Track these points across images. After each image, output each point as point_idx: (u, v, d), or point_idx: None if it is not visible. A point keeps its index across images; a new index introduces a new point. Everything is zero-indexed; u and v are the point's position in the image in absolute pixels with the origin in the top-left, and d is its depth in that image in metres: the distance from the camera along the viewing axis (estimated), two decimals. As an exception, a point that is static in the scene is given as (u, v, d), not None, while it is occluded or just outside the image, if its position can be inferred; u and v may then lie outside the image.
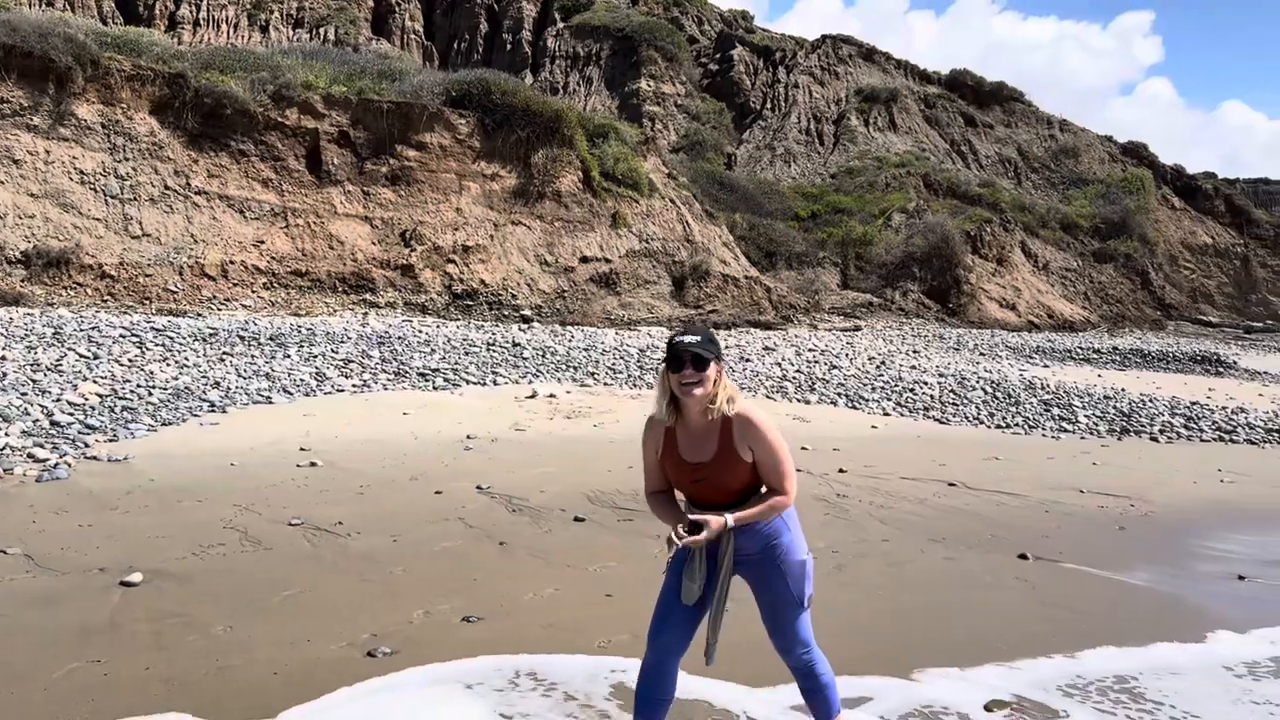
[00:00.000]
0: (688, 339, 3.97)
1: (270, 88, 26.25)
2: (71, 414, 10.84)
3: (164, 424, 11.10)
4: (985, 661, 5.75)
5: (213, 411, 11.98)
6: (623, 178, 31.52)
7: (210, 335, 17.95)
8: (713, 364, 3.97)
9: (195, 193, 24.41)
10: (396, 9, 62.69)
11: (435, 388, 15.26)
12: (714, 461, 4.00)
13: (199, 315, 21.44)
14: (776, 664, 4.34)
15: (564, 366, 18.34)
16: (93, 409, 11.24)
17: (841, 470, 11.09)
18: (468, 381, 15.94)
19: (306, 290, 24.70)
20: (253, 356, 16.13)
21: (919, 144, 62.16)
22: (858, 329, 34.57)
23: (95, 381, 12.69)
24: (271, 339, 18.28)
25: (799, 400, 16.67)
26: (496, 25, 64.65)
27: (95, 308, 20.94)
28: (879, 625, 6.32)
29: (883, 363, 23.30)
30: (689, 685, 5.07)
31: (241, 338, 18.07)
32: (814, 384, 18.48)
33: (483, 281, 27.31)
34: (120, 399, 11.89)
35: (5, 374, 12.52)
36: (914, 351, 27.71)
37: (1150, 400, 19.44)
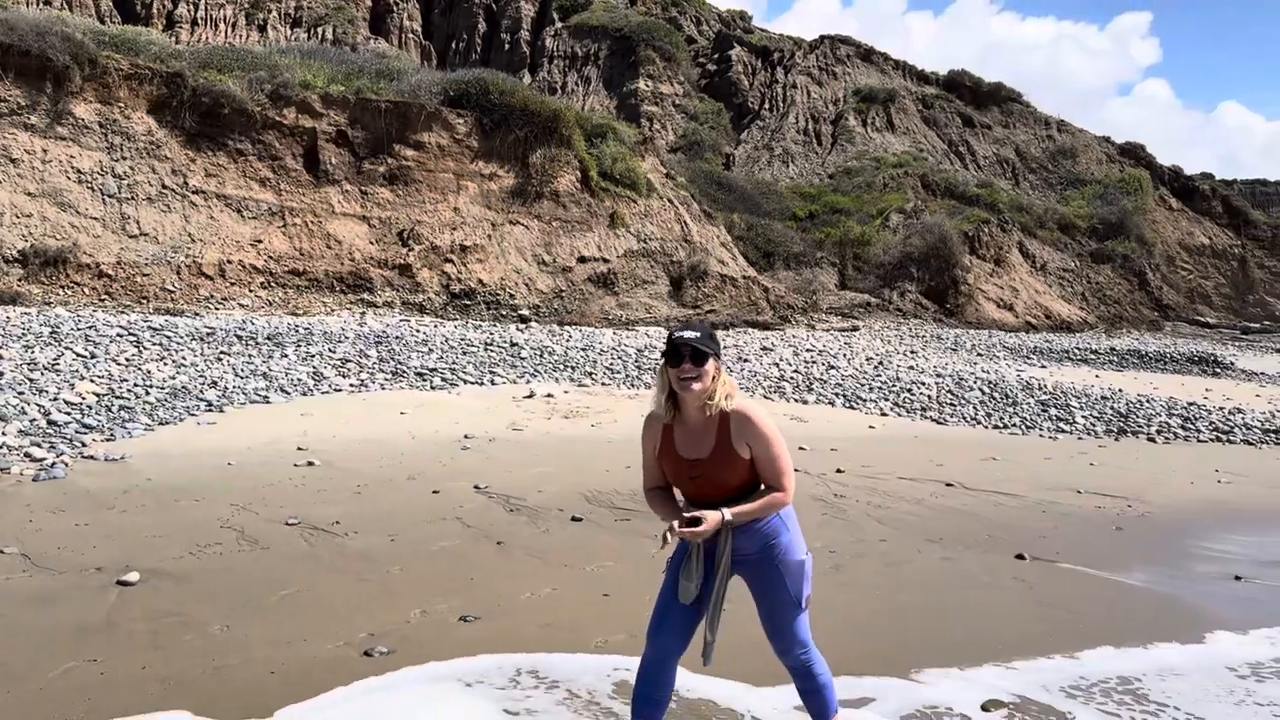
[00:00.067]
0: (687, 334, 3.98)
1: (268, 87, 26.22)
2: (68, 413, 10.83)
3: (161, 423, 11.09)
4: (983, 661, 5.75)
5: (210, 411, 11.97)
6: (621, 178, 31.52)
7: (207, 335, 17.93)
8: (711, 360, 3.97)
9: (193, 192, 24.39)
10: (394, 8, 62.68)
11: (433, 387, 15.25)
12: (711, 458, 4.00)
13: (196, 314, 21.42)
14: (780, 663, 4.35)
15: (562, 366, 18.33)
16: (90, 408, 11.23)
17: (839, 470, 11.10)
18: (465, 381, 15.93)
19: (304, 290, 24.69)
20: (250, 356, 16.11)
21: (917, 144, 62.20)
22: (855, 329, 34.58)
23: (92, 381, 12.67)
24: (269, 338, 18.26)
25: (796, 400, 16.68)
26: (494, 25, 64.65)
27: (92, 307, 20.91)
28: (876, 625, 6.33)
29: (880, 363, 23.31)
30: (693, 684, 5.08)
31: (239, 337, 18.05)
32: (811, 384, 18.49)
33: (480, 281, 27.30)
34: (117, 398, 11.87)
35: (2, 373, 12.50)
36: (911, 352, 27.72)
37: (1147, 401, 19.45)
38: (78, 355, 14.44)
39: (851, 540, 8.28)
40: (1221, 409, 18.93)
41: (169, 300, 22.20)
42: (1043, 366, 27.02)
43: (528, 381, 16.35)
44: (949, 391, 18.72)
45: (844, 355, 24.75)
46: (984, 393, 18.94)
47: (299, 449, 10.32)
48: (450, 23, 65.35)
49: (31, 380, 12.29)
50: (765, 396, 16.84)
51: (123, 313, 20.55)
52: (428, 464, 10.17)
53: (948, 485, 10.78)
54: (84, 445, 9.71)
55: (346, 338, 19.45)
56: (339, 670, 5.12)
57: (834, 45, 68.18)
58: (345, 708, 4.74)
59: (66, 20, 27.39)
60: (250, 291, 23.80)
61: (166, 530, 7.31)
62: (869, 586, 7.10)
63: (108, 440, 10.09)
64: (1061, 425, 15.98)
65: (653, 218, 32.13)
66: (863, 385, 18.78)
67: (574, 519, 8.41)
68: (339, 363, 16.26)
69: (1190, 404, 19.33)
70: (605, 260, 30.03)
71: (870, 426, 14.79)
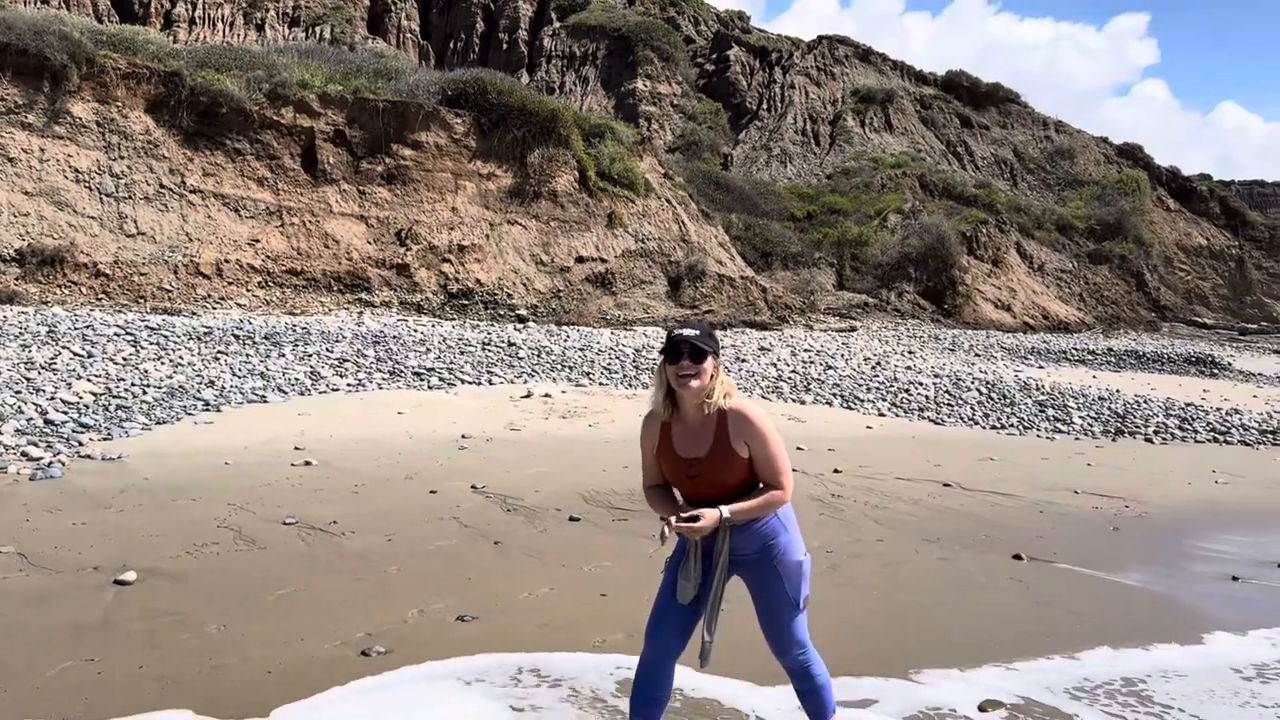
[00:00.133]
0: (687, 331, 3.98)
1: (266, 86, 26.19)
2: (65, 412, 10.82)
3: (158, 423, 11.08)
4: (982, 661, 5.75)
5: (207, 410, 11.96)
6: (619, 178, 31.50)
7: (205, 334, 17.92)
8: (710, 358, 3.97)
9: (190, 191, 24.36)
10: (392, 8, 62.66)
11: (430, 387, 15.25)
12: (709, 457, 3.99)
13: (194, 314, 21.40)
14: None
15: (559, 366, 18.33)
16: (87, 407, 11.22)
17: (836, 470, 11.10)
18: (463, 381, 15.92)
19: (301, 289, 24.67)
20: (247, 355, 16.10)
21: (915, 145, 62.23)
22: (853, 329, 34.59)
23: (89, 380, 12.66)
24: (266, 338, 18.25)
25: (794, 400, 16.68)
26: (493, 24, 64.64)
27: (90, 306, 20.89)
28: (874, 625, 6.33)
29: (878, 363, 23.32)
30: (697, 683, 5.08)
31: (236, 336, 18.04)
32: (809, 384, 18.49)
33: (478, 281, 27.29)
34: (114, 398, 11.87)
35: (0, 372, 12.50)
36: (909, 352, 27.73)
37: (1145, 401, 19.47)
38: (75, 355, 14.43)
39: (849, 540, 8.29)
40: (1219, 410, 18.95)
41: (166, 300, 22.18)
42: (1040, 367, 27.04)
43: (525, 381, 16.35)
44: (946, 392, 18.73)
45: (842, 355, 24.76)
46: (981, 393, 18.95)
47: (296, 449, 10.32)
48: (448, 22, 65.33)
49: (28, 379, 12.28)
50: (763, 396, 16.84)
51: (120, 312, 20.53)
52: (425, 464, 10.16)
53: (945, 485, 10.79)
54: (81, 445, 9.70)
55: (344, 337, 19.44)
56: (336, 670, 5.11)
57: (832, 45, 68.19)
58: (342, 707, 4.74)
59: (64, 19, 27.34)
60: (248, 291, 23.78)
61: (163, 530, 7.31)
62: (866, 586, 7.10)
63: (105, 440, 10.08)
64: (1059, 426, 15.99)
65: (651, 218, 32.13)
66: (860, 385, 18.79)
67: (571, 519, 8.41)
68: (336, 362, 16.25)
69: (1187, 405, 19.35)
70: (603, 260, 30.03)
71: (868, 427, 14.79)
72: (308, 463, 9.76)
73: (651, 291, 30.61)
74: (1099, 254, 55.24)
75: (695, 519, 3.89)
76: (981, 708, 5.09)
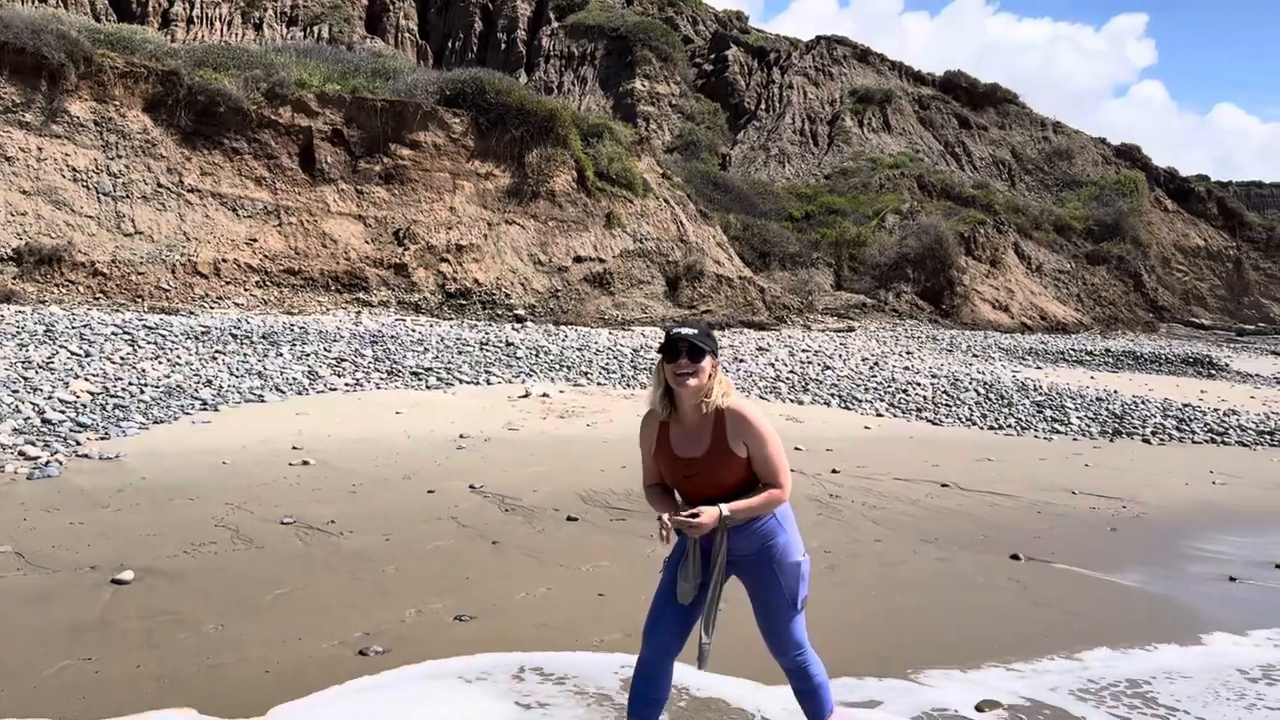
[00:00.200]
0: (685, 330, 3.98)
1: (264, 86, 26.17)
2: (63, 412, 10.81)
3: (156, 422, 11.07)
4: (980, 661, 5.76)
5: (205, 410, 11.95)
6: (617, 178, 31.49)
7: (202, 333, 17.91)
8: (708, 357, 3.97)
9: (188, 190, 24.34)
10: (391, 7, 62.61)
11: (428, 387, 15.24)
12: (706, 456, 3.99)
13: (191, 313, 21.38)
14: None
15: (557, 366, 18.33)
16: (84, 407, 11.21)
17: (835, 471, 11.11)
18: (461, 381, 15.92)
19: (299, 289, 24.66)
20: (245, 355, 16.09)
21: (913, 145, 62.24)
22: (851, 330, 34.60)
23: (87, 379, 12.65)
24: (264, 337, 18.24)
25: (792, 401, 16.68)
26: (491, 24, 64.59)
27: (87, 305, 20.87)
28: (872, 625, 6.33)
29: (876, 364, 23.33)
30: (703, 682, 5.09)
31: (234, 336, 18.02)
32: (807, 384, 18.50)
33: (476, 281, 27.28)
34: (112, 397, 11.86)
35: (-4, 371, 12.48)
36: (907, 353, 27.75)
37: (1142, 402, 19.49)
38: (72, 354, 14.42)
39: (847, 540, 8.29)
40: (1216, 410, 18.97)
41: (164, 299, 22.16)
42: (1038, 367, 27.06)
43: (523, 381, 16.35)
44: (944, 392, 18.74)
45: (840, 356, 24.77)
46: (979, 394, 18.96)
47: (294, 448, 10.31)
48: (446, 22, 65.29)
49: (26, 379, 12.26)
50: (761, 397, 16.85)
51: (117, 311, 20.51)
52: (423, 463, 10.16)
53: (943, 486, 10.79)
54: (78, 444, 9.69)
55: (342, 337, 19.43)
56: (334, 669, 5.11)
57: (830, 46, 68.18)
58: (339, 706, 4.74)
59: (62, 18, 27.31)
60: (245, 290, 23.77)
61: (161, 529, 7.30)
62: (864, 587, 7.10)
63: (102, 439, 10.07)
64: (1056, 426, 16.00)
65: (649, 218, 32.12)
66: (858, 386, 18.80)
67: (569, 519, 8.41)
68: (334, 362, 16.25)
69: (1185, 405, 19.37)
70: (601, 260, 30.02)
71: (866, 427, 14.80)
72: (305, 462, 9.76)
73: (649, 291, 30.61)
74: (1097, 255, 55.28)
75: (695, 516, 3.89)
76: (979, 707, 5.09)
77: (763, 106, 61.96)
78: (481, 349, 19.61)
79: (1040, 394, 19.61)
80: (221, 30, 55.60)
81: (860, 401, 16.99)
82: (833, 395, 17.36)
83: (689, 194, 35.91)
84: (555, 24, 63.21)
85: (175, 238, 23.53)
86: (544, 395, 14.93)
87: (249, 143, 25.70)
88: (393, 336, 20.16)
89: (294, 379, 14.41)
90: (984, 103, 69.96)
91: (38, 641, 5.24)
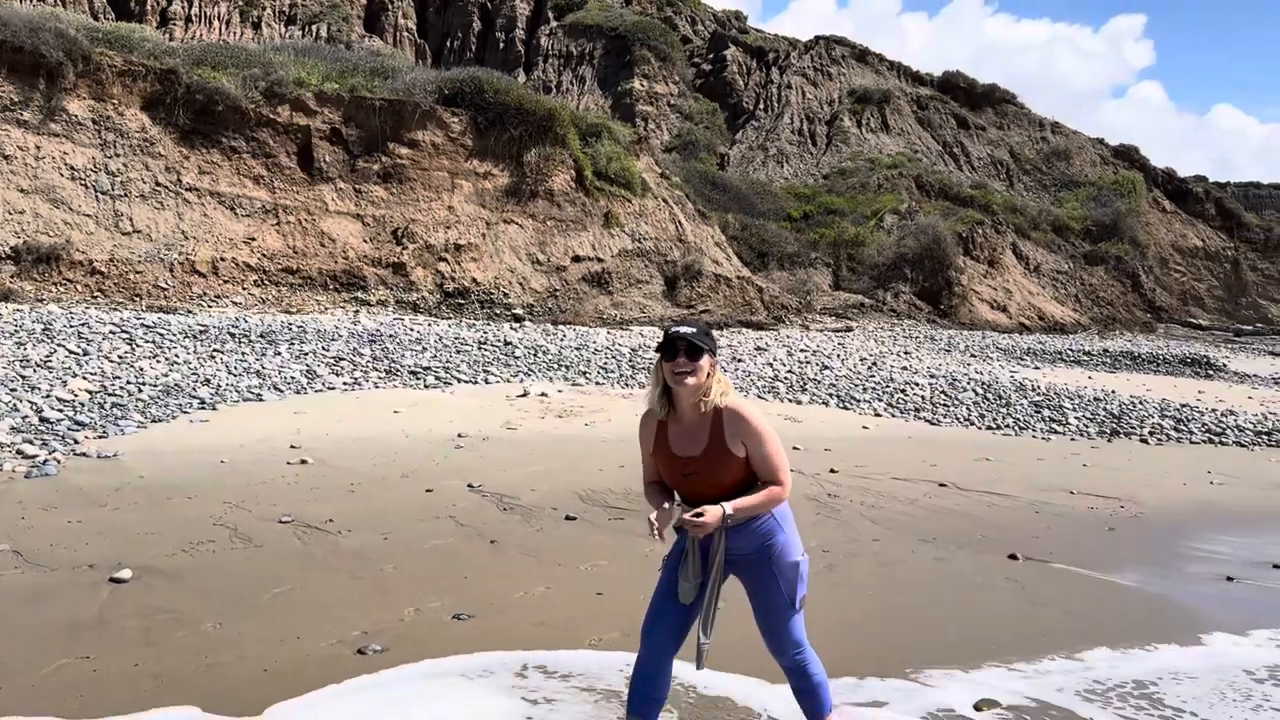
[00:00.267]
0: (684, 329, 3.98)
1: (262, 84, 26.14)
2: (61, 410, 10.80)
3: (154, 421, 11.06)
4: (979, 660, 5.76)
5: (203, 409, 11.94)
6: (615, 177, 31.48)
7: (200, 332, 17.89)
8: (706, 356, 3.97)
9: (186, 189, 24.31)
10: (389, 6, 62.57)
11: (426, 386, 15.23)
12: (704, 455, 3.99)
13: (189, 312, 21.37)
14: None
15: (556, 365, 18.32)
16: (82, 405, 11.20)
17: (833, 470, 11.11)
18: (459, 380, 15.91)
19: (297, 287, 24.64)
20: (243, 354, 16.08)
21: (911, 145, 62.25)
22: (849, 330, 34.61)
23: (85, 378, 12.64)
24: (262, 336, 18.23)
25: (790, 400, 16.69)
26: (489, 23, 64.57)
27: (85, 304, 20.85)
28: (870, 625, 6.33)
29: (874, 363, 23.34)
30: (711, 681, 5.09)
31: (232, 335, 18.01)
32: (805, 384, 18.50)
33: (474, 280, 27.27)
34: (110, 395, 11.85)
35: (-6, 370, 12.46)
36: (905, 353, 27.76)
37: (1140, 402, 19.51)
38: (70, 352, 14.40)
39: (845, 540, 8.30)
40: (1214, 411, 18.99)
41: (162, 298, 22.15)
42: (1036, 368, 27.07)
43: (521, 380, 16.34)
44: (942, 392, 18.75)
45: (838, 356, 24.77)
46: (977, 394, 18.97)
47: (292, 447, 10.31)
48: (445, 21, 65.26)
49: (24, 377, 12.25)
50: (759, 396, 16.85)
51: (115, 310, 20.50)
52: (421, 462, 10.16)
53: (941, 485, 10.80)
54: (76, 442, 9.68)
55: (340, 336, 19.42)
56: (332, 668, 5.11)
57: (829, 46, 68.18)
58: (338, 705, 4.74)
59: (60, 16, 27.28)
60: (244, 289, 23.75)
61: (159, 528, 7.30)
62: (863, 586, 7.11)
63: (100, 437, 10.07)
64: (1054, 426, 16.01)
65: (647, 217, 32.12)
66: (857, 386, 18.80)
67: (568, 518, 8.41)
68: (332, 361, 16.24)
69: (1183, 406, 19.39)
70: (599, 260, 30.02)
71: (864, 427, 14.81)
72: (304, 461, 9.75)
73: (648, 291, 30.61)
74: (1095, 255, 55.32)
75: (699, 515, 3.88)
76: (977, 706, 5.10)
77: (761, 106, 61.96)
78: (480, 348, 19.61)
79: (1038, 394, 19.63)
80: (220, 29, 55.55)
81: (858, 401, 16.99)
82: (831, 395, 17.37)
83: (687, 194, 35.90)
84: (554, 23, 63.20)
85: (173, 236, 23.52)
86: (542, 394, 14.93)
87: (247, 142, 25.68)
88: (391, 336, 20.15)
89: (292, 378, 14.40)
90: (982, 103, 69.99)
91: (36, 640, 5.23)
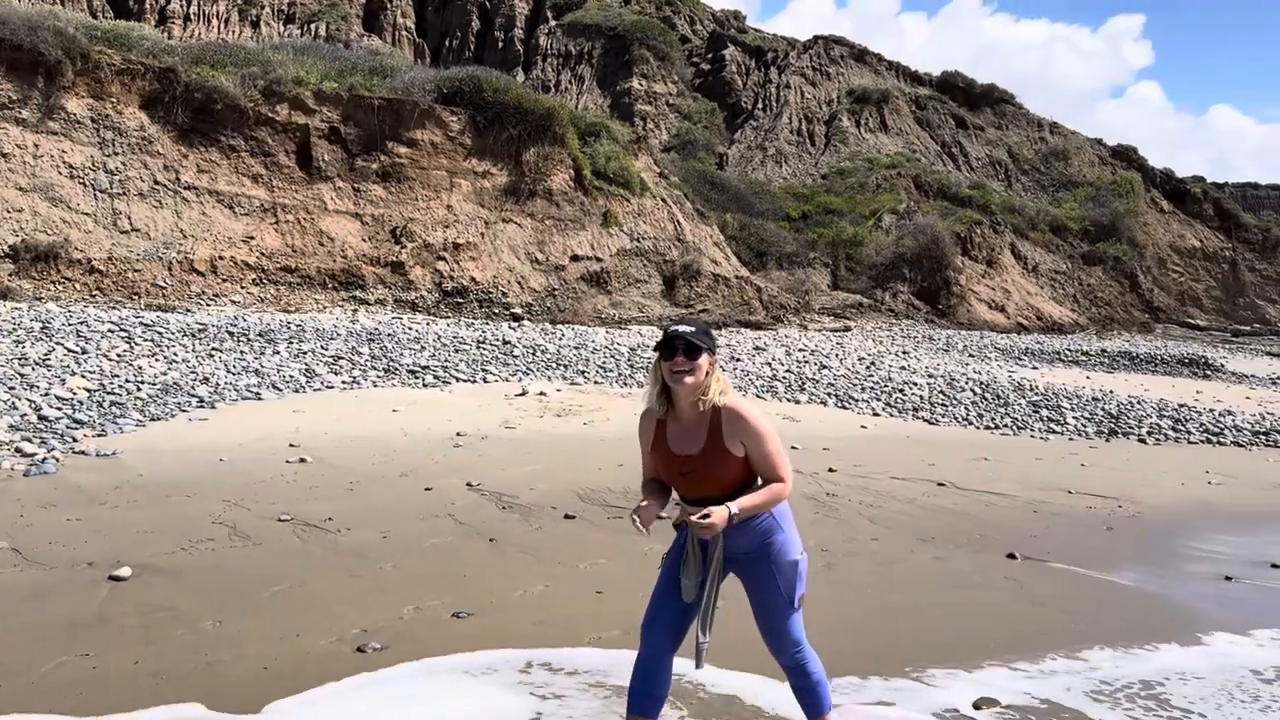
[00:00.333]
0: (682, 328, 3.98)
1: (261, 83, 26.12)
2: (59, 408, 10.80)
3: (152, 419, 11.06)
4: (978, 659, 5.76)
5: (201, 407, 11.94)
6: (614, 176, 31.47)
7: (199, 331, 17.88)
8: (705, 355, 3.97)
9: (185, 188, 24.30)
10: (388, 5, 62.53)
11: (425, 385, 15.23)
12: (702, 454, 3.99)
13: (188, 311, 21.35)
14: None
15: (554, 364, 18.32)
16: (81, 404, 11.20)
17: (831, 469, 11.12)
18: (458, 379, 15.91)
19: (296, 286, 24.63)
20: (242, 352, 16.08)
21: (910, 145, 62.26)
22: (848, 329, 34.62)
23: (83, 376, 12.63)
24: (261, 335, 18.22)
25: (789, 400, 16.70)
26: (488, 23, 64.54)
27: (83, 302, 20.84)
28: (869, 624, 6.34)
29: (872, 363, 23.35)
30: (718, 679, 5.10)
31: (231, 333, 18.00)
32: (804, 384, 18.51)
33: (473, 279, 27.26)
34: (108, 394, 11.84)
35: (-8, 368, 12.45)
36: (903, 352, 27.77)
37: (1138, 402, 19.53)
38: (69, 351, 14.39)
39: (844, 539, 8.30)
40: (1212, 411, 19.01)
41: (160, 296, 22.13)
42: (1034, 368, 27.09)
43: (520, 379, 16.34)
44: (941, 392, 18.76)
45: (836, 355, 24.78)
46: (976, 393, 18.99)
47: (291, 445, 10.30)
48: (444, 20, 65.23)
49: (22, 375, 12.24)
50: (758, 396, 16.86)
51: (114, 308, 20.48)
52: (420, 461, 10.16)
53: (939, 485, 10.81)
54: (75, 440, 9.68)
55: (339, 335, 19.41)
56: (331, 666, 5.11)
57: (828, 46, 68.16)
58: (337, 702, 4.74)
59: (59, 15, 27.23)
60: (242, 288, 23.74)
61: (158, 526, 7.30)
62: (861, 585, 7.11)
63: (99, 436, 10.06)
64: (1053, 426, 16.02)
65: (646, 217, 32.12)
66: (855, 385, 18.81)
67: (567, 516, 8.42)
68: (331, 360, 16.23)
69: (1181, 406, 19.41)
70: (598, 259, 30.02)
71: (862, 426, 14.81)
72: (302, 459, 9.75)
73: (646, 290, 30.61)
74: (1093, 255, 55.35)
75: (706, 517, 3.88)
76: (976, 705, 5.10)
77: (760, 106, 61.95)
78: (478, 347, 19.61)
79: (1036, 394, 19.64)
80: (218, 27, 55.50)
81: (857, 401, 17.00)
82: (829, 394, 17.38)
83: (686, 193, 35.90)
84: (553, 22, 63.17)
85: (172, 235, 23.50)
86: (541, 394, 14.93)
87: (246, 140, 25.67)
88: (389, 334, 20.15)
89: (291, 377, 14.40)
90: (981, 103, 69.98)
91: (35, 638, 5.23)
